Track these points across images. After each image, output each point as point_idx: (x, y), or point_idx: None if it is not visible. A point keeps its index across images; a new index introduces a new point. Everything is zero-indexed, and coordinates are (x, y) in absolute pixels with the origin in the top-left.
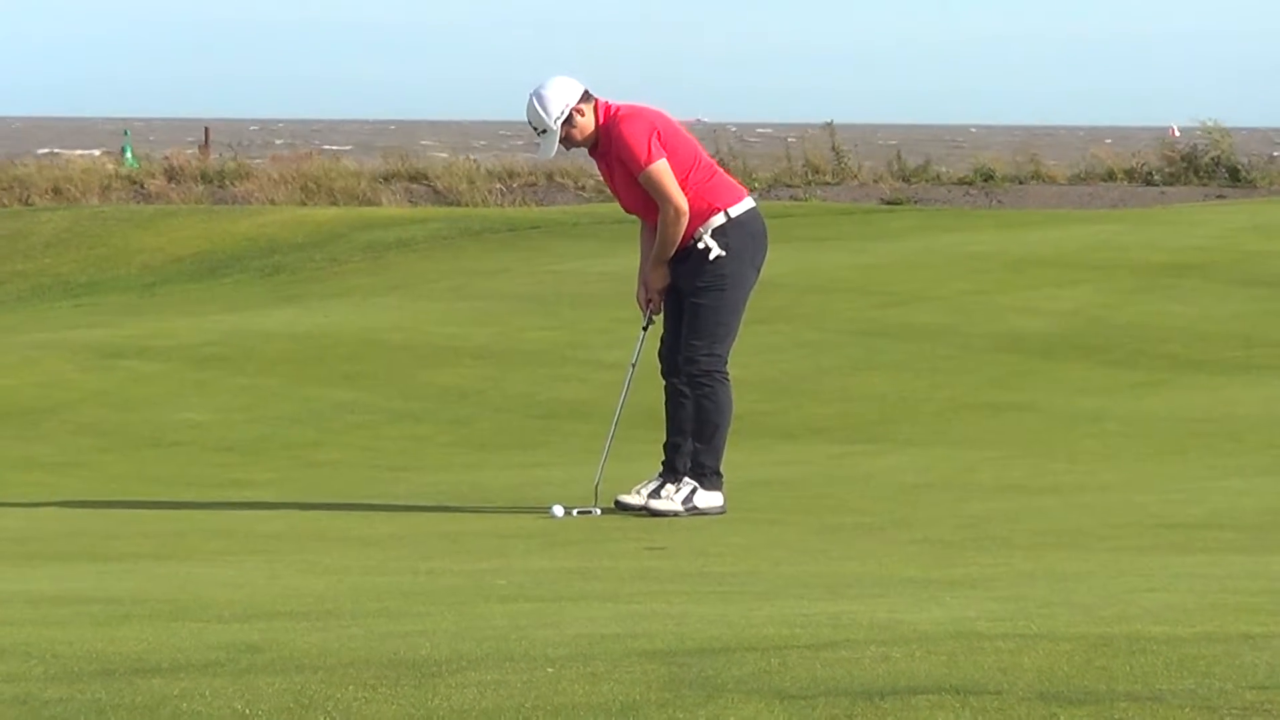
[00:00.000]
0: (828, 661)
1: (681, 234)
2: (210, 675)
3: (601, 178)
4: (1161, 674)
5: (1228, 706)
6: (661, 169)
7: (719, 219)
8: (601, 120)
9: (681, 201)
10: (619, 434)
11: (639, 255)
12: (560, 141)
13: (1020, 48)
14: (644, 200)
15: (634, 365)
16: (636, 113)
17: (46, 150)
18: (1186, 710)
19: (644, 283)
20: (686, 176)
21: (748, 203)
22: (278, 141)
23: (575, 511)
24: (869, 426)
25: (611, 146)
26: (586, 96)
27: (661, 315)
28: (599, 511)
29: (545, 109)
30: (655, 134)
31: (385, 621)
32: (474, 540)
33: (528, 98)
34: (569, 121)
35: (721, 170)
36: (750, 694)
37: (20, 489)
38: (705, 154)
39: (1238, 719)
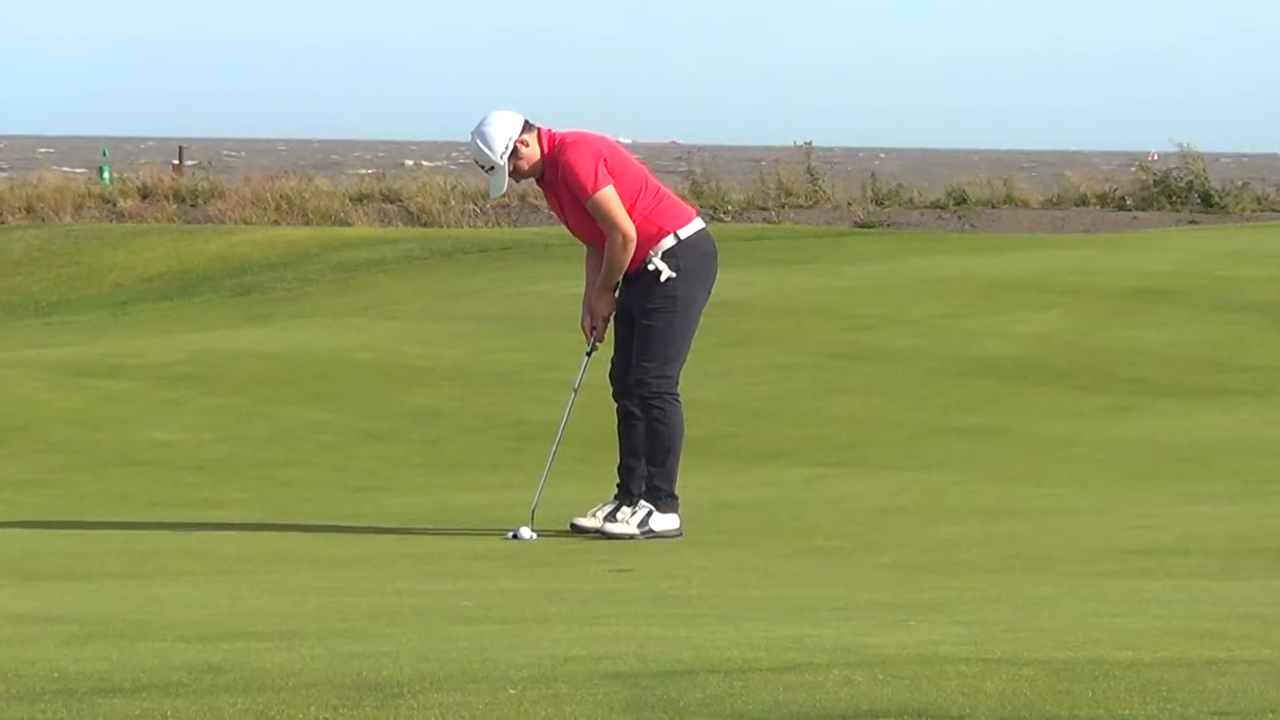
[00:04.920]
0: (790, 685)
1: (629, 260)
2: (172, 696)
3: (549, 206)
4: (1124, 699)
5: None
6: (608, 196)
7: (669, 241)
8: (547, 149)
9: (629, 228)
10: (572, 455)
11: (584, 280)
12: (509, 174)
13: (998, 71)
14: (592, 227)
15: (576, 390)
16: (582, 140)
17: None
18: None
19: (589, 309)
20: (634, 202)
21: (697, 224)
22: (300, 161)
23: (509, 535)
24: (839, 450)
25: (559, 175)
26: (528, 127)
27: (606, 340)
28: (534, 536)
29: (490, 146)
30: (602, 160)
31: (349, 642)
32: (441, 561)
33: (470, 138)
34: (515, 154)
35: (670, 192)
36: (712, 717)
37: None
38: (652, 178)
39: None
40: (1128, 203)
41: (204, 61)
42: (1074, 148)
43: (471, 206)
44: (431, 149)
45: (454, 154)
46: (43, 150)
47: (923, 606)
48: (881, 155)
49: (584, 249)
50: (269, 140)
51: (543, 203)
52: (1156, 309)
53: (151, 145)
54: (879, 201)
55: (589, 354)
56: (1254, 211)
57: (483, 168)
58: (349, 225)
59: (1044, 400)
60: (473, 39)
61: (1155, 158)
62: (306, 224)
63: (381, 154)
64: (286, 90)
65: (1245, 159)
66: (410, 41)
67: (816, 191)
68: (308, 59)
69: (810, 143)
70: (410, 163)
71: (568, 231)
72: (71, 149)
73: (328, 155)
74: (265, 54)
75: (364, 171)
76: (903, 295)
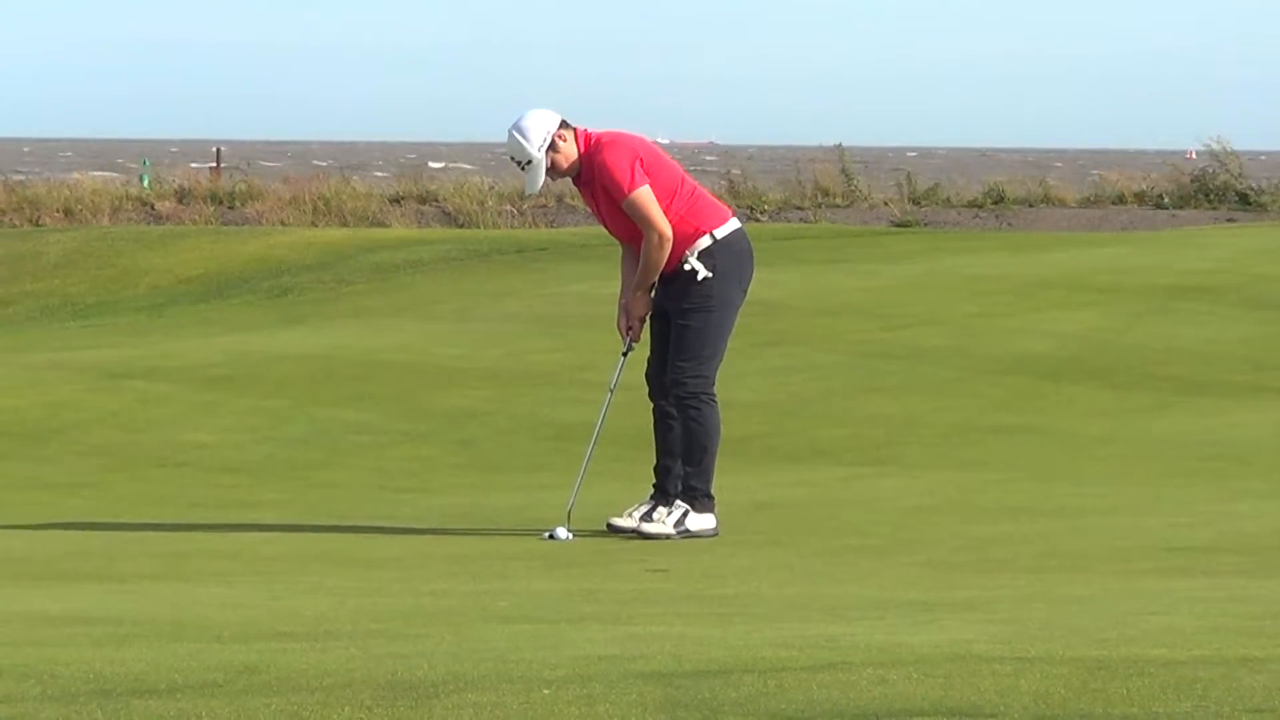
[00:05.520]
0: (824, 684)
1: (665, 260)
2: (208, 696)
3: (587, 206)
4: (1159, 697)
5: None
6: (645, 195)
7: (705, 241)
8: (583, 148)
9: (665, 227)
10: (608, 455)
11: (620, 281)
12: (546, 171)
13: (1035, 69)
14: (629, 226)
15: (612, 390)
16: (618, 139)
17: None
18: None
19: (624, 309)
20: (670, 202)
21: (733, 223)
22: (320, 163)
23: (545, 535)
24: (875, 449)
25: (595, 174)
26: (565, 124)
27: (642, 340)
28: (570, 536)
29: (527, 139)
30: (638, 160)
31: (384, 642)
32: (477, 562)
33: (508, 133)
34: (552, 148)
35: (706, 192)
36: (746, 716)
37: (25, 509)
38: (688, 177)
39: None
40: (1165, 201)
41: (228, 65)
42: (1106, 146)
43: (508, 207)
44: (462, 151)
45: (485, 155)
46: (65, 155)
47: (957, 605)
48: (910, 155)
49: (620, 249)
50: (300, 142)
51: (580, 203)
52: (1194, 307)
53: (176, 150)
54: (916, 201)
55: (625, 354)
56: None
57: (519, 163)
58: (385, 226)
59: (1081, 399)
60: (506, 41)
61: (1193, 155)
62: (343, 225)
63: (412, 156)
64: (313, 93)
65: None
66: (445, 44)
67: (853, 191)
68: (333, 62)
69: (840, 145)
70: (440, 164)
71: (605, 231)
72: (97, 152)
73: (356, 157)
74: (290, 57)
75: (382, 174)
76: (939, 294)
